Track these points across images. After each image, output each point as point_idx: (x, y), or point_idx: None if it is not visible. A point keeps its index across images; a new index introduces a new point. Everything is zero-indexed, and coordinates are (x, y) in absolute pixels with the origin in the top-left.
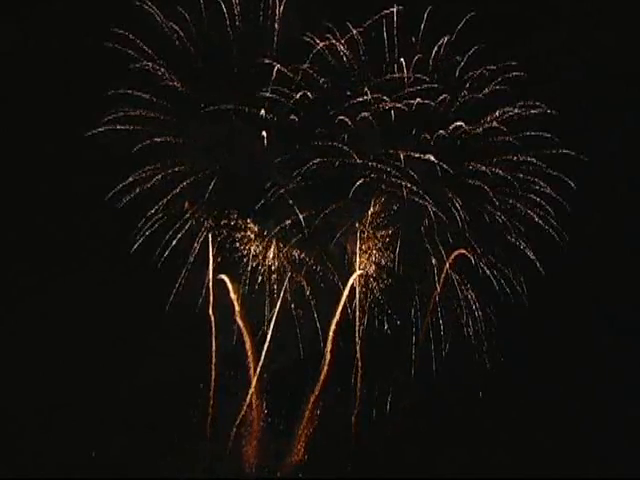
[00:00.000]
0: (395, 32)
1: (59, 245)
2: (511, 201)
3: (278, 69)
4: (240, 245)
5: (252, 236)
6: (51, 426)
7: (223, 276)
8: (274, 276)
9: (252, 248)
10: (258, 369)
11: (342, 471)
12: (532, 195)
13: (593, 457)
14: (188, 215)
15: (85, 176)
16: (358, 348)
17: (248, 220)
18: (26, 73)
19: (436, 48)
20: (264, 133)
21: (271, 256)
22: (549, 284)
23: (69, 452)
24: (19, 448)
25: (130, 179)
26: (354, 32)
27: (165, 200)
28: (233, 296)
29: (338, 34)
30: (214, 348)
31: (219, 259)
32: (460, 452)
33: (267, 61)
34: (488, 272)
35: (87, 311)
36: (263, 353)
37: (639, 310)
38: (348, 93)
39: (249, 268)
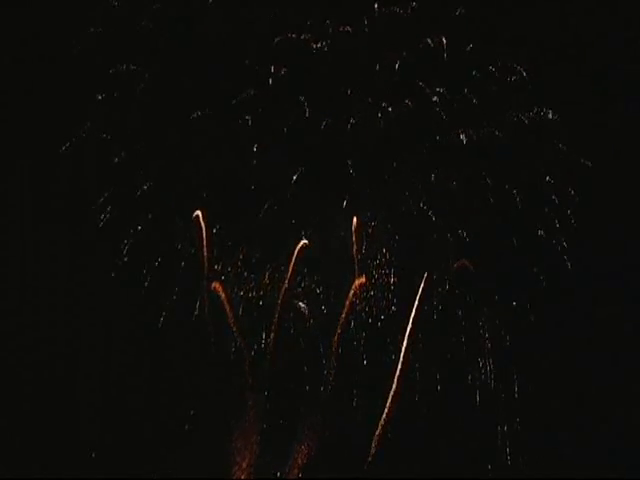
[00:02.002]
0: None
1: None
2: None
3: (268, 71)
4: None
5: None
6: (50, 427)
7: (217, 285)
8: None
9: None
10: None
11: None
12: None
13: (593, 457)
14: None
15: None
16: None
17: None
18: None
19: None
20: (254, 141)
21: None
22: (551, 293)
23: (69, 452)
24: (19, 448)
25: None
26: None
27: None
28: (227, 307)
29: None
30: (212, 354)
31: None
32: (462, 461)
33: (254, 63)
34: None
35: (82, 317)
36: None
37: None
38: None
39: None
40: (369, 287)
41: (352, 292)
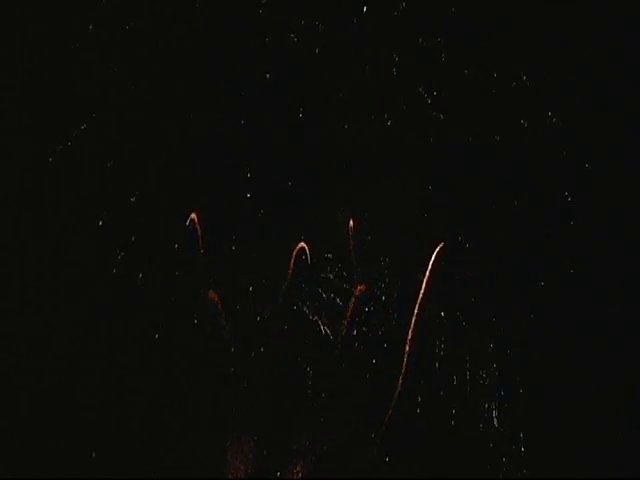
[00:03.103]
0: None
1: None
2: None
3: (263, 72)
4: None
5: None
6: (50, 426)
7: (214, 292)
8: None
9: None
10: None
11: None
12: (534, 203)
13: (593, 457)
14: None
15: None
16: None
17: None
18: None
19: (426, 50)
20: (251, 143)
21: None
22: (550, 296)
23: (69, 452)
24: (18, 448)
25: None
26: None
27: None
28: (225, 315)
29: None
30: (209, 360)
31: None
32: (462, 461)
33: (249, 63)
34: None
35: (79, 321)
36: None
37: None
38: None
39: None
40: (369, 292)
41: (352, 297)
